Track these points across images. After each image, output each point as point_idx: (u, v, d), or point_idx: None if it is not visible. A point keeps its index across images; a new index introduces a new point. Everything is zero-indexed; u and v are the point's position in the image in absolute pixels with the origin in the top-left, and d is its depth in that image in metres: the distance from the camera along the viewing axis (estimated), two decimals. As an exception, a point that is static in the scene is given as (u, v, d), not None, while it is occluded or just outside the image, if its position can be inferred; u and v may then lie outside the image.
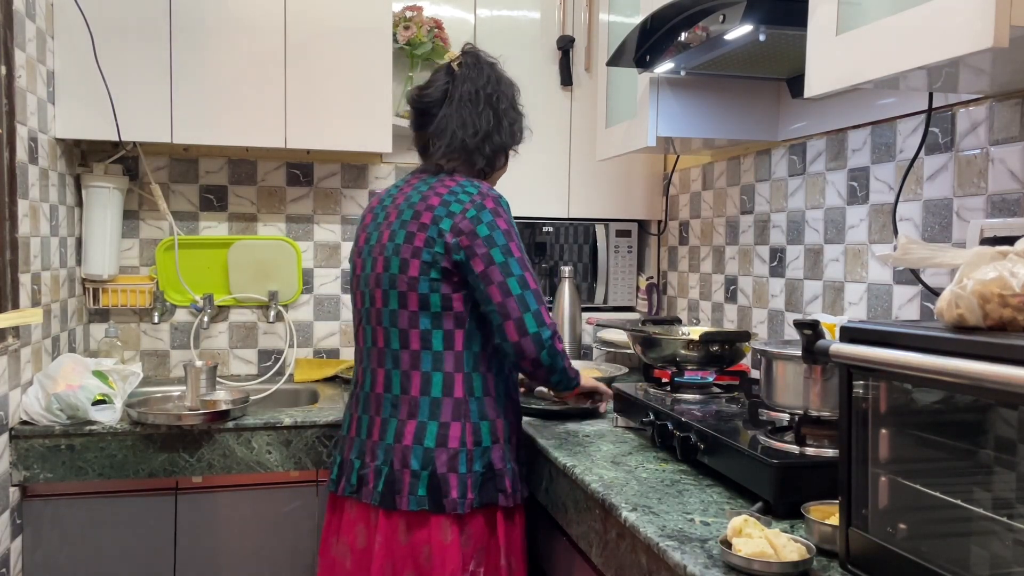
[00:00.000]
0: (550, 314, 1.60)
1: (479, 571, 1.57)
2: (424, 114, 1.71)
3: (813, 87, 1.33)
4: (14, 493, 1.83)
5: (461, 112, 1.65)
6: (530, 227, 2.73)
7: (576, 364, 2.45)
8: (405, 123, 2.02)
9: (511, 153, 1.77)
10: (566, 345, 2.59)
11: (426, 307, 1.56)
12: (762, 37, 1.56)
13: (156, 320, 2.44)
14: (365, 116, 2.32)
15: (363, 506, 1.59)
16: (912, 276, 1.60)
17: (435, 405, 1.56)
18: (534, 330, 1.55)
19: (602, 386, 1.86)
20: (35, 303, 1.93)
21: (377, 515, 1.57)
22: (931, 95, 1.51)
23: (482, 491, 1.57)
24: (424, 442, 1.55)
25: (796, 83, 1.96)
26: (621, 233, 2.81)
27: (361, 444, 1.62)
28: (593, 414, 1.96)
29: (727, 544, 1.06)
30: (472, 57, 1.71)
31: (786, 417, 1.38)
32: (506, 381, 1.66)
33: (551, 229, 2.75)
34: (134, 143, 2.31)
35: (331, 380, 2.50)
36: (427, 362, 1.57)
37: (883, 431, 1.00)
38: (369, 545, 1.58)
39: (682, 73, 1.96)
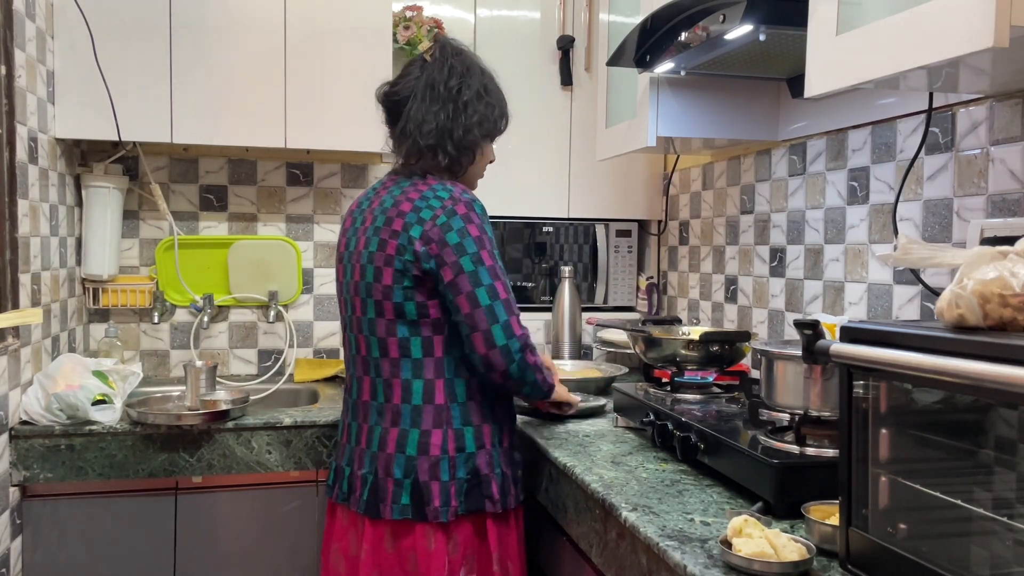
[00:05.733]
0: (522, 325, 1.55)
1: None
2: (391, 112, 1.66)
3: (813, 87, 1.33)
4: (14, 493, 1.83)
5: (420, 109, 1.60)
6: (530, 227, 2.73)
7: (576, 364, 2.46)
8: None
9: (488, 142, 1.68)
10: (566, 345, 2.59)
11: (402, 315, 1.53)
12: (762, 37, 1.56)
13: (156, 320, 2.44)
14: (365, 116, 2.29)
15: (352, 513, 1.59)
16: (912, 276, 1.60)
17: (416, 412, 1.54)
18: (502, 343, 1.50)
19: (573, 398, 1.85)
20: (35, 303, 1.93)
21: (364, 523, 1.57)
22: (931, 95, 1.51)
23: (468, 498, 1.55)
24: (406, 450, 1.54)
25: (796, 83, 1.96)
26: (621, 233, 2.81)
27: (351, 451, 1.62)
28: (593, 414, 1.96)
29: (727, 544, 1.06)
30: (439, 48, 1.65)
31: (786, 417, 1.38)
32: (496, 384, 1.61)
33: (551, 229, 2.75)
34: (134, 143, 2.31)
35: (331, 380, 2.50)
36: (407, 370, 1.55)
37: (883, 431, 1.00)
38: (358, 553, 1.58)
39: (682, 73, 1.96)
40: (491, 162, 1.74)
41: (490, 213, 2.67)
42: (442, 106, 1.59)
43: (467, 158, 1.64)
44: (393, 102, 1.65)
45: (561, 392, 1.77)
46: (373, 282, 1.55)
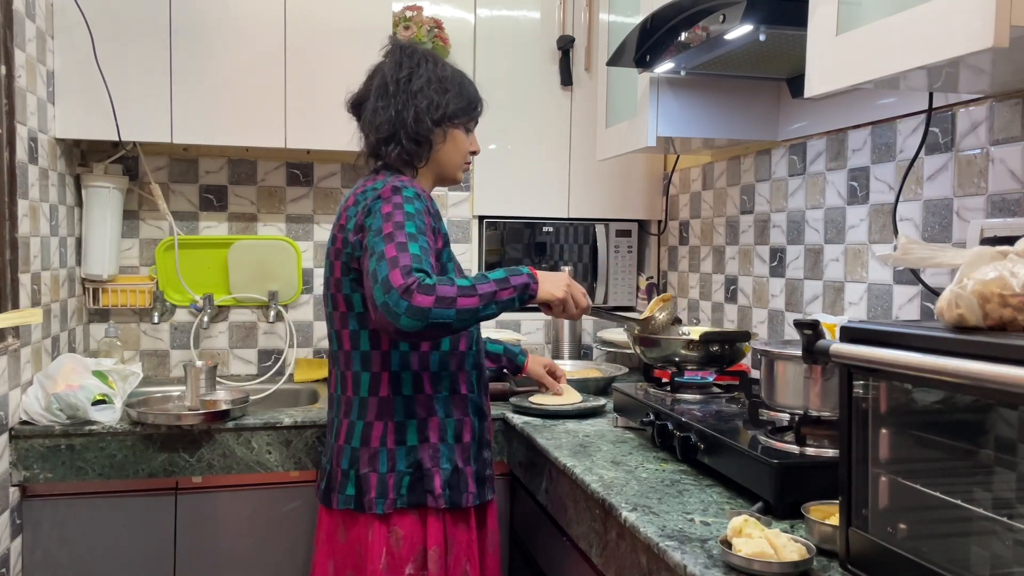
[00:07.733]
0: (407, 274, 1.34)
1: (422, 574, 1.52)
2: (358, 118, 1.67)
3: (813, 87, 1.33)
4: (14, 493, 1.83)
5: (372, 107, 1.60)
6: (530, 227, 2.73)
7: (576, 364, 2.46)
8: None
9: (454, 128, 1.63)
10: (566, 345, 2.59)
11: (351, 307, 1.56)
12: (762, 37, 1.56)
13: (156, 320, 2.44)
14: (365, 116, 2.32)
15: (320, 504, 1.64)
16: (912, 276, 1.60)
17: (363, 405, 1.57)
18: (381, 300, 1.34)
19: (571, 294, 1.51)
20: (35, 303, 1.93)
21: (322, 513, 1.62)
22: (931, 95, 1.51)
23: (411, 492, 1.54)
24: (352, 441, 1.57)
25: (796, 83, 1.96)
26: (621, 233, 2.81)
27: (326, 444, 1.67)
28: (593, 414, 1.96)
29: (727, 544, 1.06)
30: (390, 49, 1.64)
31: (786, 417, 1.38)
32: (452, 378, 1.59)
33: (551, 229, 2.75)
34: (134, 143, 2.30)
35: (331, 380, 2.50)
36: (357, 362, 1.57)
37: (883, 431, 1.00)
38: (317, 543, 1.63)
39: (682, 73, 1.96)
40: (474, 153, 1.70)
41: (490, 213, 2.69)
42: (392, 100, 1.58)
43: (424, 147, 1.60)
44: (356, 108, 1.67)
45: (550, 286, 1.48)
46: (329, 276, 1.59)
